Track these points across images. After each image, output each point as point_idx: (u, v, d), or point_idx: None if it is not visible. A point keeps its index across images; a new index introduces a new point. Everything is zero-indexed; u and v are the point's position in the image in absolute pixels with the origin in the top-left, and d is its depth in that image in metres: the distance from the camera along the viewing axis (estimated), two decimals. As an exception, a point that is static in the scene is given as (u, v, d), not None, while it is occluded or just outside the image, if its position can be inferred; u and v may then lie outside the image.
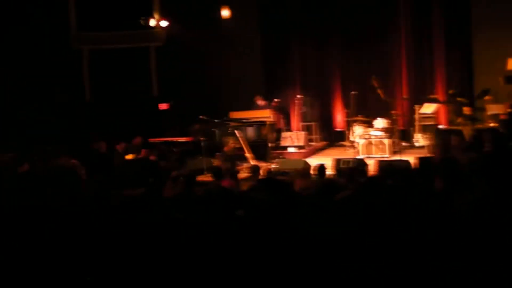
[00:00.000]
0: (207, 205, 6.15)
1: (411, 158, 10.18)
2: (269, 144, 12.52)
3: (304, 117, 15.05)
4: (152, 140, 12.88)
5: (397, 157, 11.89)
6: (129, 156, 12.54)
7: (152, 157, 11.45)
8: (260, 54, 16.14)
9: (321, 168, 8.82)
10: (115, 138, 13.39)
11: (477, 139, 7.83)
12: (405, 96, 14.49)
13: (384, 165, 9.56)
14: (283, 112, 14.75)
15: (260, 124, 12.66)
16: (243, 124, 12.78)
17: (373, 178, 8.03)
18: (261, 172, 9.27)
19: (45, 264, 4.45)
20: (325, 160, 10.80)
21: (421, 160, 9.31)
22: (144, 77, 16.09)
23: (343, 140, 14.39)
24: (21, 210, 5.66)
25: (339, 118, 15.40)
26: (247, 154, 11.97)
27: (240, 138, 11.96)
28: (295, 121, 15.43)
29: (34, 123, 14.69)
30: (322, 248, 4.36)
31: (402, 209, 5.10)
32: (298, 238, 4.55)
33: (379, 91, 13.33)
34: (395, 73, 15.00)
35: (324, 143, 15.10)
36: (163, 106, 15.61)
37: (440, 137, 9.04)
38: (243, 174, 10.16)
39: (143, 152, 13.04)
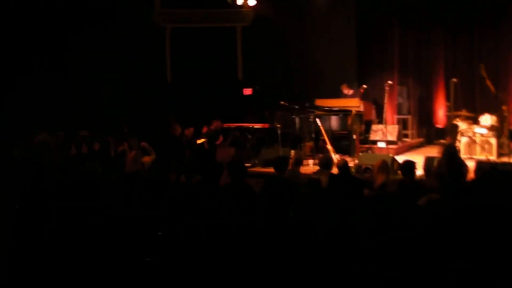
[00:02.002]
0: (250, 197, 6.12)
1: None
2: (354, 137, 11.04)
3: (399, 109, 13.44)
4: (226, 125, 11.83)
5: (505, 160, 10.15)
6: (200, 141, 11.60)
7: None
8: (354, 38, 14.61)
9: (408, 165, 7.35)
10: (193, 122, 12.66)
11: None
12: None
13: (484, 167, 7.94)
14: (375, 102, 13.17)
15: (346, 114, 11.19)
16: (326, 112, 11.35)
17: (468, 182, 6.54)
18: (335, 166, 7.94)
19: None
20: (418, 159, 9.30)
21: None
22: (228, 59, 15.08)
23: (444, 138, 12.61)
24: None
25: (440, 112, 13.54)
26: (328, 146, 10.61)
27: (321, 128, 10.61)
28: (390, 113, 13.83)
29: (113, 102, 14.20)
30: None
31: (499, 224, 4.46)
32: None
33: (488, 82, 11.45)
34: (509, 62, 12.91)
35: (420, 139, 13.39)
36: (247, 91, 14.55)
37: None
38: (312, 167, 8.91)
39: (221, 138, 12.18)
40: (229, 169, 6.70)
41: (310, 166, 10.07)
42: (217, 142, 12.16)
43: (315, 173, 7.86)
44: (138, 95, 14.22)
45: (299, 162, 7.95)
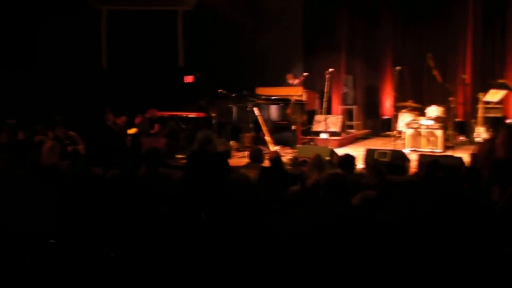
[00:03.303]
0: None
1: (466, 156, 7.98)
2: (293, 127, 10.41)
3: (344, 99, 12.89)
4: (160, 114, 11.10)
5: (449, 153, 9.68)
6: (131, 131, 10.87)
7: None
8: (301, 25, 13.99)
9: (346, 159, 6.78)
10: (129, 110, 11.94)
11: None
12: (463, 76, 11.91)
13: (427, 161, 7.42)
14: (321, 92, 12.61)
15: (287, 103, 10.54)
16: (264, 101, 10.69)
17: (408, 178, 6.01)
18: (266, 159, 7.30)
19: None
20: (361, 151, 8.77)
21: (475, 157, 7.09)
22: (169, 45, 14.26)
23: (391, 129, 12.11)
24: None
25: (387, 103, 13.04)
26: (266, 138, 9.97)
27: (259, 118, 9.95)
28: (335, 103, 13.30)
29: (45, 89, 13.28)
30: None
31: (442, 225, 4.19)
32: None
33: (435, 72, 10.98)
34: (458, 52, 12.44)
35: (366, 131, 12.88)
36: (188, 78, 13.81)
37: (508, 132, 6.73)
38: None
39: (157, 127, 11.53)
40: (144, 158, 6.32)
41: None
42: (152, 131, 11.49)
43: (244, 166, 7.22)
44: (71, 81, 13.31)
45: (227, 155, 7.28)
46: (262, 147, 10.20)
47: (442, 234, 4.19)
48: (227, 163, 6.81)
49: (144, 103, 12.21)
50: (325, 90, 10.40)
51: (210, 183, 5.41)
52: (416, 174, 7.35)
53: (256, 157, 7.07)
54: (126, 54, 13.76)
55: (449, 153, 9.80)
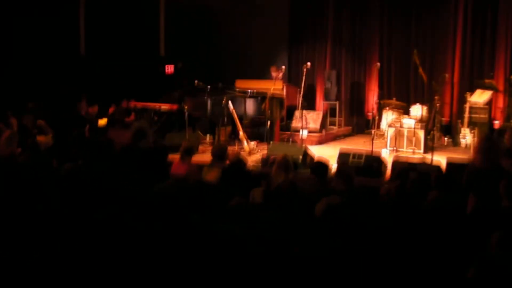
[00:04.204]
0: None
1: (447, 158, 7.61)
2: (268, 123, 9.98)
3: (326, 95, 12.45)
4: (133, 104, 10.66)
5: (429, 156, 9.28)
6: (102, 121, 10.45)
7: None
8: (287, 17, 13.53)
9: (318, 165, 6.35)
10: (106, 99, 11.53)
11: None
12: (446, 75, 11.41)
13: (400, 167, 7.03)
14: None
15: (263, 97, 10.10)
16: (240, 94, 10.25)
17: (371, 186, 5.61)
18: (231, 156, 6.87)
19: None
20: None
21: (450, 166, 6.67)
22: (150, 34, 13.75)
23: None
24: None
25: (372, 100, 12.60)
26: (240, 133, 9.55)
27: (232, 112, 9.50)
28: (318, 99, 12.87)
29: (21, 75, 12.77)
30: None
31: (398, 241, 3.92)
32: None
33: (420, 70, 10.56)
34: (447, 50, 11.97)
35: (349, 129, 12.44)
36: (169, 68, 13.35)
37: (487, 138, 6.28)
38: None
39: (133, 116, 11.12)
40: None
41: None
42: (128, 120, 11.09)
43: (208, 165, 6.79)
44: (47, 68, 12.81)
45: (189, 151, 6.82)
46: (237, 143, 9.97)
47: (396, 251, 3.83)
48: (163, 160, 6.36)
49: (123, 92, 11.78)
50: (302, 85, 9.92)
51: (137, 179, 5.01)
52: (389, 179, 6.94)
53: (219, 155, 6.63)
54: (106, 41, 13.24)
55: (429, 155, 9.42)
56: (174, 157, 6.95)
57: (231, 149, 9.72)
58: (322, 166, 6.04)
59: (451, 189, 5.34)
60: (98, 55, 13.39)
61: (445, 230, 4.41)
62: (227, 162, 6.75)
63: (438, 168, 6.97)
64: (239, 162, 6.54)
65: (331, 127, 12.06)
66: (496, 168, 5.26)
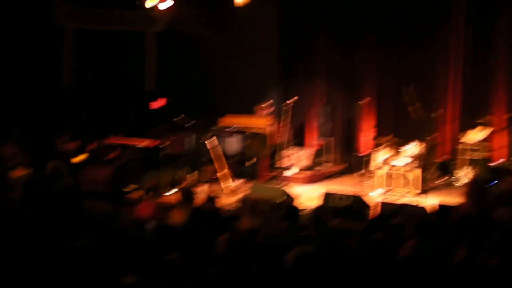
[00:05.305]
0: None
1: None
2: (247, 163, 9.43)
3: (320, 131, 11.87)
4: (108, 141, 10.17)
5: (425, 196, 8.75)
6: (78, 158, 9.96)
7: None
8: (277, 51, 13.08)
9: (289, 210, 5.83)
10: (88, 134, 11.11)
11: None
12: (433, 114, 10.73)
13: (389, 210, 6.49)
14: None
15: (248, 136, 9.58)
16: (223, 131, 9.73)
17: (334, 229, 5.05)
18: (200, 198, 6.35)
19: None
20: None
21: (442, 210, 6.09)
22: (136, 68, 13.36)
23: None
24: None
25: (366, 137, 12.04)
26: (221, 172, 9.00)
27: (211, 151, 8.97)
28: (310, 136, 12.32)
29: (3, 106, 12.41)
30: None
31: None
32: None
33: (410, 108, 10.02)
34: (443, 86, 11.46)
35: (341, 167, 11.82)
36: (155, 104, 12.88)
37: (477, 181, 5.68)
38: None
39: (113, 155, 10.62)
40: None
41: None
42: (107, 158, 10.58)
43: (175, 205, 6.26)
44: (31, 100, 12.42)
45: (153, 190, 6.30)
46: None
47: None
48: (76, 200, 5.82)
49: (106, 128, 11.33)
50: (282, 122, 9.43)
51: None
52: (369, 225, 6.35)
53: (186, 196, 6.10)
54: (91, 74, 12.90)
55: (424, 196, 8.87)
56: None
57: (215, 188, 9.23)
58: (292, 210, 5.50)
59: (435, 236, 4.79)
60: (83, 89, 13.05)
61: (420, 283, 3.90)
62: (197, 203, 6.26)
63: (423, 211, 6.39)
64: (209, 204, 6.03)
65: (325, 164, 11.45)
66: (485, 216, 4.68)
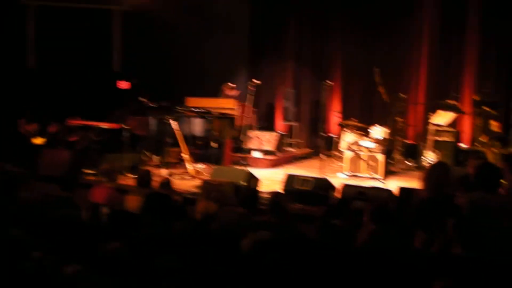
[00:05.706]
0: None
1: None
2: (212, 144, 9.26)
3: (285, 115, 11.77)
4: (70, 122, 9.91)
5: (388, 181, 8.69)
6: (37, 140, 9.68)
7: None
8: (247, 32, 12.91)
9: (246, 196, 5.68)
10: (51, 116, 10.81)
11: (489, 171, 4.50)
12: (402, 95, 10.65)
13: (349, 194, 6.39)
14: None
15: (213, 117, 9.41)
16: (187, 113, 9.54)
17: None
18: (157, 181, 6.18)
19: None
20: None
21: (404, 192, 6.02)
22: (103, 48, 13.04)
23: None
24: None
25: (333, 120, 11.95)
26: (184, 155, 8.83)
27: (176, 132, 8.79)
28: (278, 119, 12.21)
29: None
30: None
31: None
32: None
33: (381, 89, 9.95)
34: (412, 69, 11.43)
35: (308, 150, 11.75)
36: (122, 84, 12.62)
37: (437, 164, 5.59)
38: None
39: (76, 137, 10.36)
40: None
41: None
42: (71, 140, 10.34)
43: (131, 191, 6.08)
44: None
45: (109, 175, 6.11)
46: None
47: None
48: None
49: (70, 109, 11.04)
50: (246, 104, 9.27)
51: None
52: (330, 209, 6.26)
53: (142, 181, 5.92)
54: (56, 55, 12.53)
55: (390, 181, 8.80)
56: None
57: (179, 171, 9.06)
58: (252, 194, 5.36)
59: (392, 221, 4.70)
60: (47, 68, 12.70)
61: (376, 273, 3.80)
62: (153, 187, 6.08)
63: (388, 194, 6.31)
64: (163, 188, 5.86)
65: (290, 149, 11.36)
66: (444, 200, 4.59)
